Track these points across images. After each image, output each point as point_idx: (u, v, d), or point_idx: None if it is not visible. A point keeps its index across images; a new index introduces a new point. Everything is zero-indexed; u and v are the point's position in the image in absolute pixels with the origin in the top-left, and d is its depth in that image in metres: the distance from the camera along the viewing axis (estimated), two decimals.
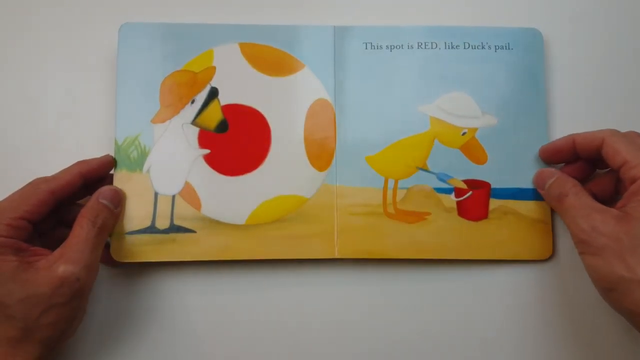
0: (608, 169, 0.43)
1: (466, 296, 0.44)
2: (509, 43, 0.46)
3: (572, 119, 0.46)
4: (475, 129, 0.45)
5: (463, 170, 0.44)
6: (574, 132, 0.42)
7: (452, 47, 0.46)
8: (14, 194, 0.38)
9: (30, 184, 0.39)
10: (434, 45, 0.46)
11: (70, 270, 0.36)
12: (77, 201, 0.42)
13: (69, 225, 0.39)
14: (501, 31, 0.46)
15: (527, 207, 0.44)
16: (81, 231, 0.38)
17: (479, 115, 0.45)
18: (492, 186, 0.44)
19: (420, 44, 0.46)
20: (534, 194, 0.44)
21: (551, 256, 0.44)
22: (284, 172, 0.44)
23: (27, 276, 0.35)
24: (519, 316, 0.44)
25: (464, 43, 0.46)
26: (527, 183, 0.44)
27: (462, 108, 0.45)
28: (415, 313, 0.44)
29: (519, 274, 0.44)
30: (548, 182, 0.41)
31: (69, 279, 0.35)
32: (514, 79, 0.45)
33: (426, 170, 0.44)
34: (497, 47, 0.46)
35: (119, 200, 0.41)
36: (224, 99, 0.44)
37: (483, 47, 0.46)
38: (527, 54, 0.46)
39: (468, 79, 0.45)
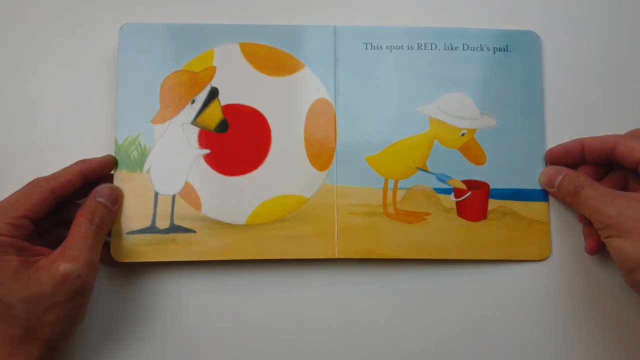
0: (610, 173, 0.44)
1: (466, 296, 0.44)
2: (507, 45, 0.46)
3: (569, 120, 0.46)
4: (474, 130, 0.45)
5: (462, 171, 0.44)
6: (572, 133, 0.44)
7: (451, 49, 0.46)
8: (14, 193, 0.38)
9: (30, 183, 0.39)
10: (434, 46, 0.46)
11: (70, 268, 0.36)
12: (77, 201, 0.42)
13: (69, 225, 0.39)
14: (499, 33, 0.46)
15: (526, 208, 0.44)
16: (79, 229, 0.38)
17: (478, 116, 0.45)
18: (491, 187, 0.44)
19: (420, 44, 0.46)
20: (532, 195, 0.44)
21: (549, 257, 0.44)
22: (284, 172, 0.44)
23: (29, 275, 0.35)
24: (517, 316, 0.44)
25: (463, 44, 0.46)
26: (525, 184, 0.44)
27: (461, 109, 0.45)
28: (415, 313, 0.44)
29: (518, 274, 0.44)
30: (557, 179, 0.42)
31: (70, 276, 0.35)
32: (512, 80, 0.46)
33: (426, 171, 0.44)
34: (495, 49, 0.46)
35: (116, 198, 0.41)
36: (224, 99, 0.44)
37: (482, 49, 0.46)
38: (525, 56, 0.46)
39: (467, 80, 0.46)
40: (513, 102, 0.45)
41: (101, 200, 0.40)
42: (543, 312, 0.44)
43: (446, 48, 0.46)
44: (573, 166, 0.44)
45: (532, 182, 0.44)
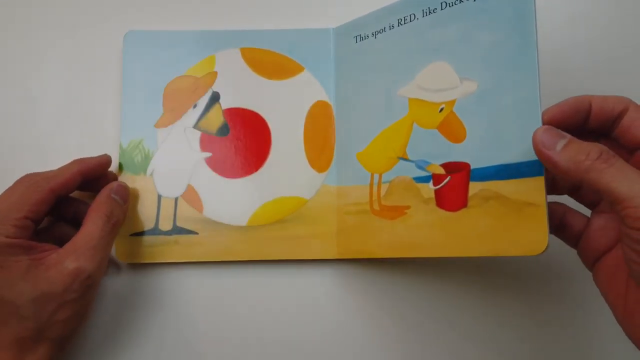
0: None
1: (468, 296, 0.43)
2: None
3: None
4: (453, 102, 0.38)
5: (442, 153, 0.38)
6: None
7: (430, 12, 0.39)
8: (13, 193, 0.38)
9: (27, 181, 0.38)
10: (413, 17, 0.40)
11: (82, 266, 0.36)
12: (69, 194, 0.41)
13: (65, 220, 0.39)
14: None
15: (514, 188, 0.34)
16: (95, 227, 0.37)
17: (457, 84, 0.38)
18: (472, 166, 0.36)
19: (400, 20, 0.41)
20: (522, 169, 0.34)
21: (546, 249, 0.32)
22: (284, 173, 0.44)
23: (38, 274, 0.35)
24: (525, 319, 0.42)
25: (441, 3, 0.39)
26: (512, 156, 0.35)
27: (439, 80, 0.38)
28: (416, 313, 0.43)
29: (507, 271, 0.41)
30: (561, 142, 0.31)
31: (80, 276, 0.36)
32: (496, 30, 0.36)
33: (406, 159, 0.40)
34: None
35: (127, 196, 0.42)
36: (225, 102, 0.45)
37: (461, 1, 0.38)
38: None
39: (445, 44, 0.38)
40: (499, 57, 0.36)
41: (116, 197, 0.40)
42: (536, 312, 0.41)
43: (424, 14, 0.40)
44: (573, 133, 0.32)
45: (522, 153, 0.34)
